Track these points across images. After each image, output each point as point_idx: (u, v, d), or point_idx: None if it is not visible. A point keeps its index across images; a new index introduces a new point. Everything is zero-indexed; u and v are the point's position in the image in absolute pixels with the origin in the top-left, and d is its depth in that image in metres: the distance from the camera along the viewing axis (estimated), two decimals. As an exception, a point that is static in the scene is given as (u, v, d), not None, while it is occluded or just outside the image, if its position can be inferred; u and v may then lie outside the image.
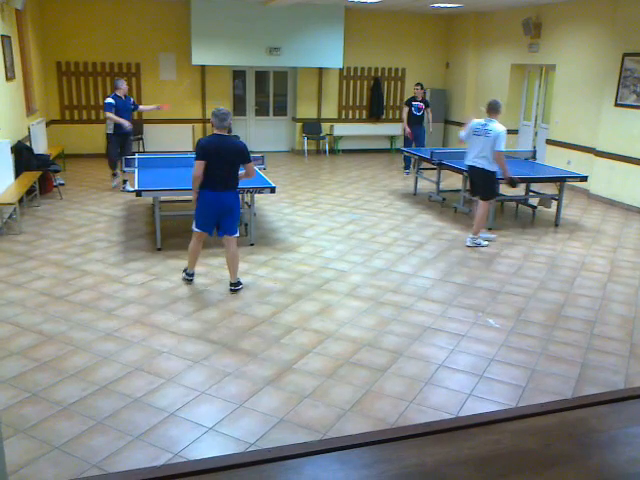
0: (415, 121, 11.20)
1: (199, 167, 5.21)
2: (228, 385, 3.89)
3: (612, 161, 9.37)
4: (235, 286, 5.50)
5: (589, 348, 4.55)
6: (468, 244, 7.02)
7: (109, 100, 9.12)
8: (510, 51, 12.11)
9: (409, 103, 11.21)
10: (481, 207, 7.03)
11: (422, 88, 11.29)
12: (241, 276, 5.72)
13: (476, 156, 6.89)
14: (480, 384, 3.99)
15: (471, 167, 7.02)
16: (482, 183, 6.97)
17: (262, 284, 5.68)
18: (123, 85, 9.33)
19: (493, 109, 6.88)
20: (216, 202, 5.29)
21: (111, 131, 9.26)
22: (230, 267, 5.51)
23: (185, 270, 5.71)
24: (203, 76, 12.75)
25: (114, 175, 9.63)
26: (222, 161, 5.20)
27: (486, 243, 7.06)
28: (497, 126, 6.70)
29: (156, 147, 12.09)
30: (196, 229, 5.46)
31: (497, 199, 7.58)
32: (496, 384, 4.00)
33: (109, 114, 9.07)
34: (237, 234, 5.49)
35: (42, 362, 4.11)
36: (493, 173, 6.85)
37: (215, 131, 5.28)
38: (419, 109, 11.10)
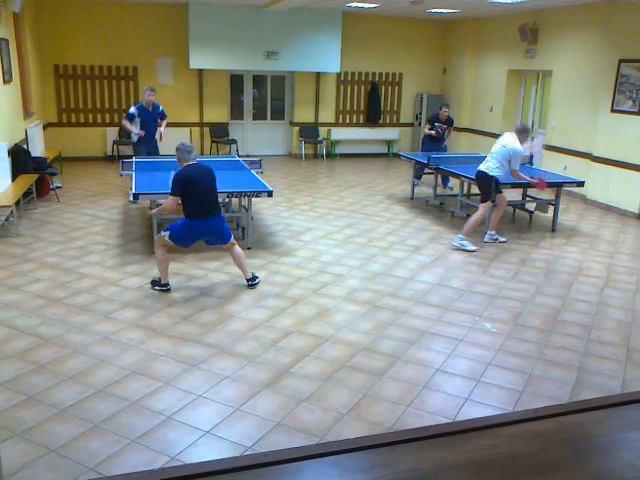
0: (435, 140, 10.64)
1: (172, 202, 5.22)
2: (225, 389, 3.88)
3: (608, 167, 9.40)
4: (252, 281, 5.63)
5: (586, 353, 4.56)
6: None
7: (132, 110, 8.88)
8: (507, 56, 12.15)
9: (431, 122, 10.57)
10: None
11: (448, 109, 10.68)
12: (239, 280, 5.73)
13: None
14: (477, 388, 3.99)
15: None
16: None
17: (259, 288, 5.67)
18: (146, 94, 8.87)
19: None
20: (204, 229, 5.35)
21: (135, 140, 9.00)
22: (240, 267, 5.61)
23: (158, 282, 5.48)
24: (201, 80, 12.76)
25: None
26: (205, 186, 5.29)
27: (473, 248, 7.07)
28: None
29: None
30: (168, 240, 5.30)
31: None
32: (493, 388, 4.00)
33: (124, 122, 9.07)
34: (232, 238, 5.53)
35: (39, 365, 4.10)
36: None
37: (185, 164, 5.33)
38: (441, 130, 10.49)
